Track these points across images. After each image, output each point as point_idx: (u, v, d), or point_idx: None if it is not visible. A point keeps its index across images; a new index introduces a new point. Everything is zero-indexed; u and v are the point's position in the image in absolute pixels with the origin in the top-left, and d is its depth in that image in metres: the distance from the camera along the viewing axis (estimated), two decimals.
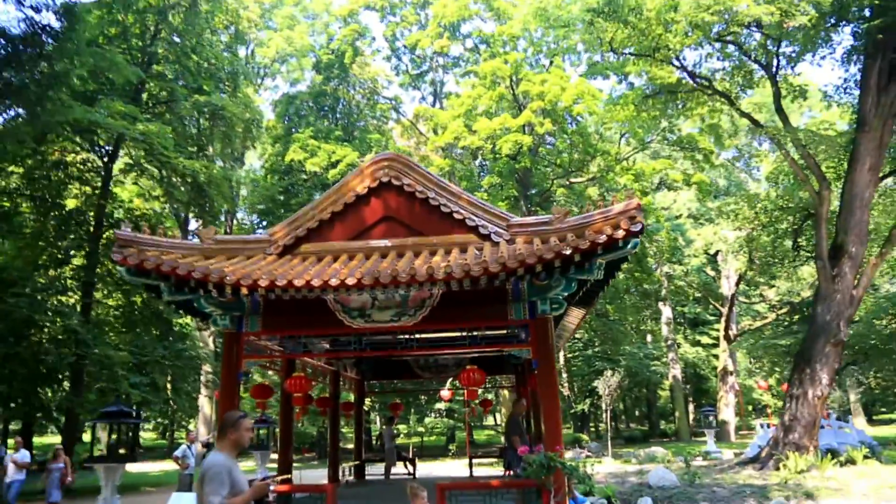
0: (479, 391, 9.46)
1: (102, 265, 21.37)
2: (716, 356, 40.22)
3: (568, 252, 7.79)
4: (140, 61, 22.55)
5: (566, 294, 8.72)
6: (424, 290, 8.72)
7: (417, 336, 9.72)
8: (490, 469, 19.98)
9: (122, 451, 10.09)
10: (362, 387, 17.48)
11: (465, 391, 12.91)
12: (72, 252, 20.97)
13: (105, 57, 16.46)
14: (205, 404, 30.12)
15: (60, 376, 17.85)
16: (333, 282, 8.05)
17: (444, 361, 16.91)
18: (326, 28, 35.57)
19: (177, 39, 23.36)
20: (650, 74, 22.47)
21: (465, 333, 9.46)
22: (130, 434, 10.41)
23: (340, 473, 14.96)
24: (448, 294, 8.79)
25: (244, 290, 8.32)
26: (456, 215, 9.49)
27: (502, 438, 33.57)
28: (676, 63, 19.72)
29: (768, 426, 21.28)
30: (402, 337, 9.72)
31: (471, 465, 17.16)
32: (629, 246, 8.01)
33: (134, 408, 15.40)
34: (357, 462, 16.88)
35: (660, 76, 21.18)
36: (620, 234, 7.80)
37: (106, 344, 17.81)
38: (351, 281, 8.03)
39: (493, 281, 8.22)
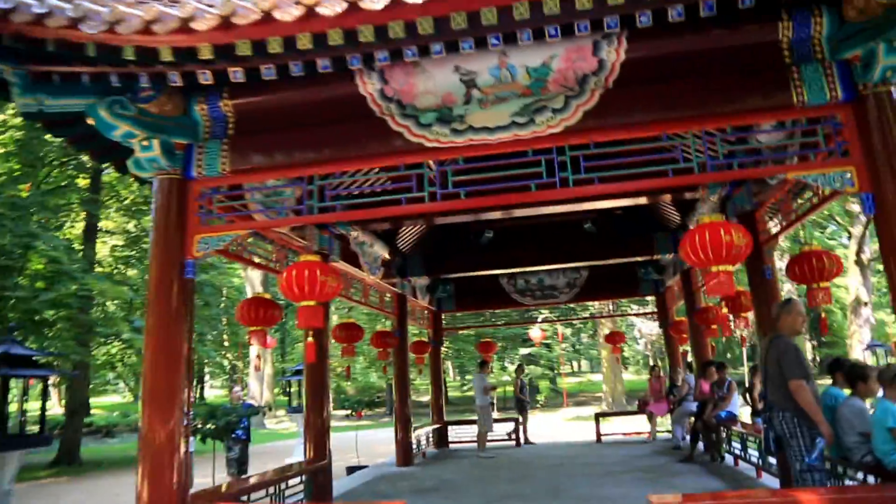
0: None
1: (110, 186, 17.22)
2: (840, 286, 33.99)
3: None
4: None
5: None
6: (581, 38, 3.71)
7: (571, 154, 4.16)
8: (616, 427, 13.40)
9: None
10: (438, 321, 12.82)
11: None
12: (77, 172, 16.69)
13: None
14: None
15: (52, 322, 13.78)
16: None
17: (551, 282, 12.15)
18: None
19: None
20: None
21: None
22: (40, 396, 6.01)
23: (414, 444, 10.37)
24: (638, 59, 3.77)
25: (165, 55, 3.51)
26: None
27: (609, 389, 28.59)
28: None
29: None
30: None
31: (598, 427, 12.16)
32: None
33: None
34: (438, 425, 12.28)
35: None
36: None
37: (95, 276, 13.47)
38: None
39: None
